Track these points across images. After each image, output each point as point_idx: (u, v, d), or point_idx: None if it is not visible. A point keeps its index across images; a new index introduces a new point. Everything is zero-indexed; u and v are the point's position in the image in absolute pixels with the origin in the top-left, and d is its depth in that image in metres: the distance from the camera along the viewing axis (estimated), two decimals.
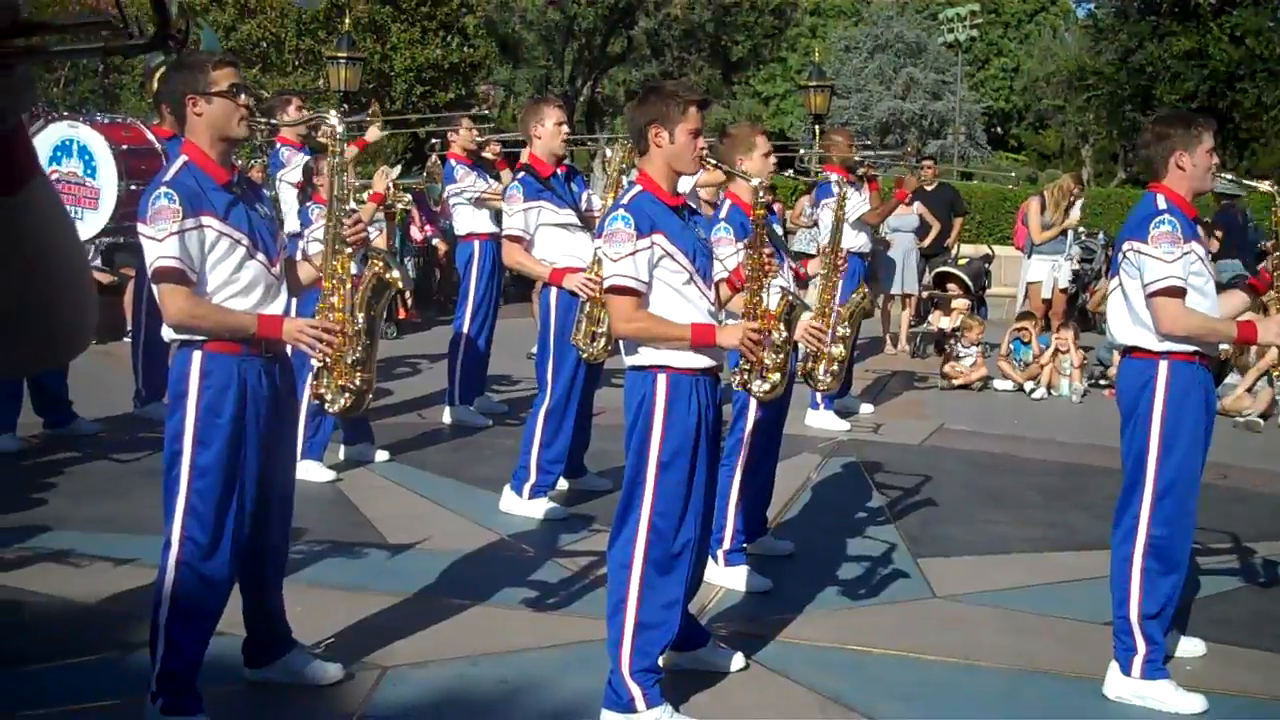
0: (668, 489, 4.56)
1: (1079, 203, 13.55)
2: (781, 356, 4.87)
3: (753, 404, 6.19)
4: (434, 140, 10.29)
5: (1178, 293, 4.86)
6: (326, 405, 4.67)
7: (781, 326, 4.81)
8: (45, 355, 1.53)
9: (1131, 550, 5.03)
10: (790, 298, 4.90)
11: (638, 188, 4.69)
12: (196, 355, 4.35)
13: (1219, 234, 13.19)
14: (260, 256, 4.44)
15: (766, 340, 4.76)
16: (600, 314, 7.00)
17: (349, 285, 4.58)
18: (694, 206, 5.15)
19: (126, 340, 11.55)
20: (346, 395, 4.61)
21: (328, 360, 4.54)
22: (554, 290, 7.31)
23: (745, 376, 4.88)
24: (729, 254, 5.75)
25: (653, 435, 4.56)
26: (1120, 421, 5.14)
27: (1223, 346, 5.35)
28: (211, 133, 4.41)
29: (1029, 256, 13.59)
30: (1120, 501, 5.13)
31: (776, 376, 4.88)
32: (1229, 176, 5.59)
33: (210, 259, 4.33)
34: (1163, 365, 4.96)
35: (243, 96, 4.44)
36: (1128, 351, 5.13)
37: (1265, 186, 5.59)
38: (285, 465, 4.75)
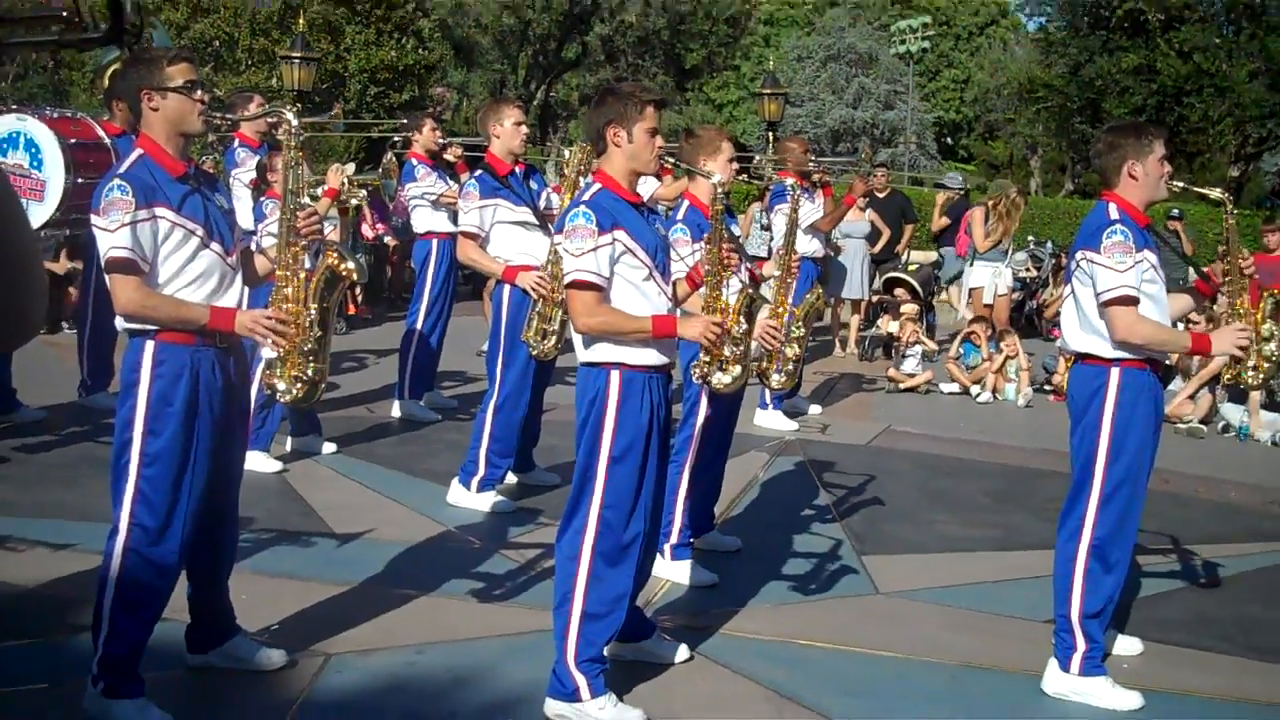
0: (618, 483, 4.58)
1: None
2: (741, 349, 4.90)
3: (704, 402, 6.23)
4: (395, 139, 10.26)
5: (1130, 301, 4.92)
6: (280, 395, 4.66)
7: (742, 320, 4.84)
8: None
9: (1076, 550, 5.09)
10: (750, 291, 4.93)
11: (598, 185, 4.71)
12: (149, 345, 4.34)
13: (947, 220, 15.26)
14: (215, 246, 4.44)
15: (726, 333, 4.79)
16: (551, 312, 7.01)
17: (303, 277, 4.57)
18: (652, 207, 5.17)
19: (69, 330, 11.47)
20: (299, 385, 4.60)
21: (281, 351, 4.53)
22: (507, 287, 7.31)
23: (705, 369, 4.91)
24: (686, 254, 5.79)
25: (605, 431, 4.58)
26: (1070, 425, 5.19)
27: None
28: (167, 127, 4.41)
29: (971, 264, 13.74)
30: (1067, 503, 5.18)
31: (737, 369, 4.92)
32: (1180, 184, 5.66)
33: (164, 250, 4.32)
34: (1114, 372, 5.02)
35: (199, 92, 4.43)
36: (1080, 358, 5.18)
37: (1215, 194, 5.68)
38: (236, 456, 4.74)
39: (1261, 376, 5.44)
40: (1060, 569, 5.16)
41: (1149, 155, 5.11)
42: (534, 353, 7.10)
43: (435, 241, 9.57)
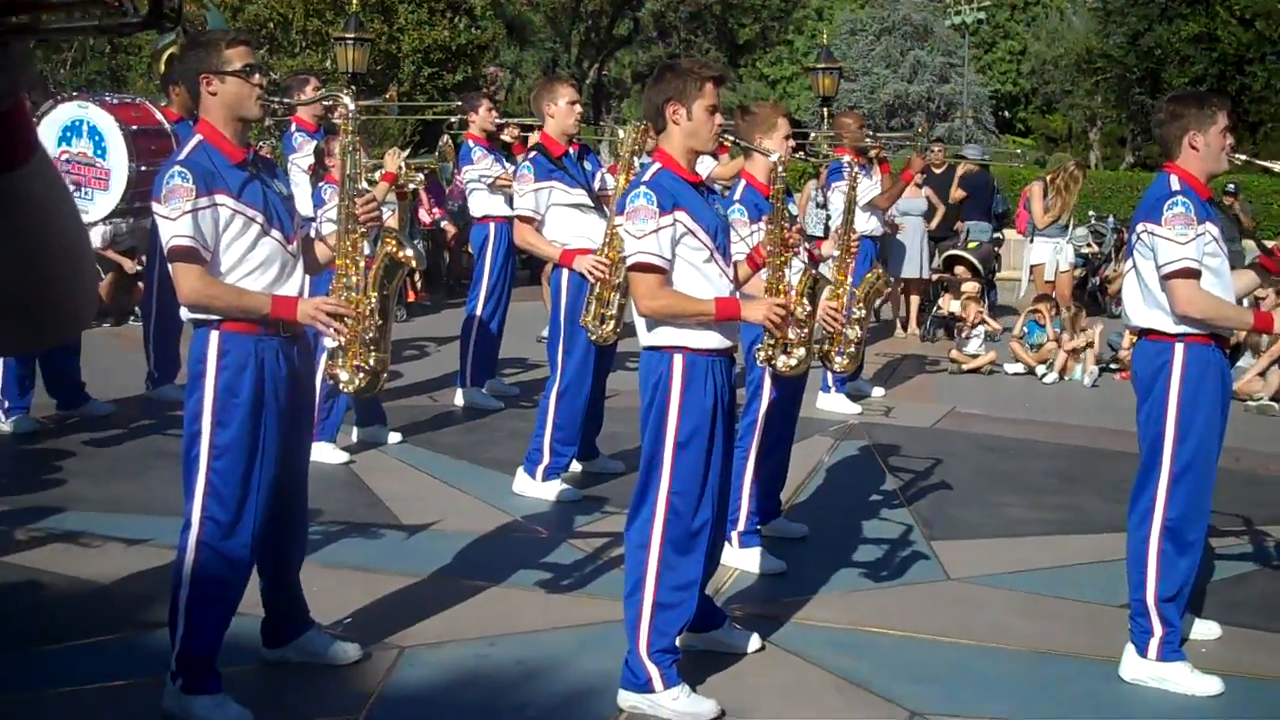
0: (685, 469, 4.56)
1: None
2: (805, 331, 4.86)
3: (768, 386, 6.19)
4: (451, 120, 10.24)
5: (1192, 274, 4.85)
6: (342, 385, 4.68)
7: (805, 301, 4.79)
8: (44, 333, 1.54)
9: (1148, 532, 5.02)
10: (813, 272, 4.88)
11: (657, 165, 4.68)
12: (214, 335, 4.36)
13: (963, 193, 14.94)
14: (276, 234, 4.44)
15: (790, 315, 4.75)
16: (609, 296, 6.98)
17: (362, 264, 4.58)
18: (712, 186, 5.12)
19: (135, 322, 11.57)
20: (361, 375, 4.62)
21: (343, 340, 4.55)
22: (565, 271, 7.29)
23: (770, 352, 4.87)
24: (745, 235, 5.76)
25: (669, 415, 4.56)
26: (1135, 403, 5.12)
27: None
28: (226, 111, 4.41)
29: (1031, 240, 13.60)
30: (1137, 484, 5.11)
31: (801, 352, 4.88)
32: (1243, 157, 5.55)
33: (225, 237, 4.33)
34: (1178, 348, 4.95)
35: (257, 76, 4.44)
36: (1143, 334, 5.11)
37: (1278, 167, 5.57)
38: (304, 446, 4.76)
39: None
40: (1133, 552, 5.09)
41: (1211, 126, 5.02)
42: (592, 338, 7.08)
43: (492, 225, 9.55)
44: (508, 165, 9.69)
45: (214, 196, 4.28)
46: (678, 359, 4.58)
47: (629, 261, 4.60)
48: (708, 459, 4.60)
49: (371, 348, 4.59)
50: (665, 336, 4.60)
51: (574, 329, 7.25)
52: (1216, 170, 5.13)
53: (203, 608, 4.35)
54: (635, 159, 7.11)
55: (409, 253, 4.69)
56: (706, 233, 4.60)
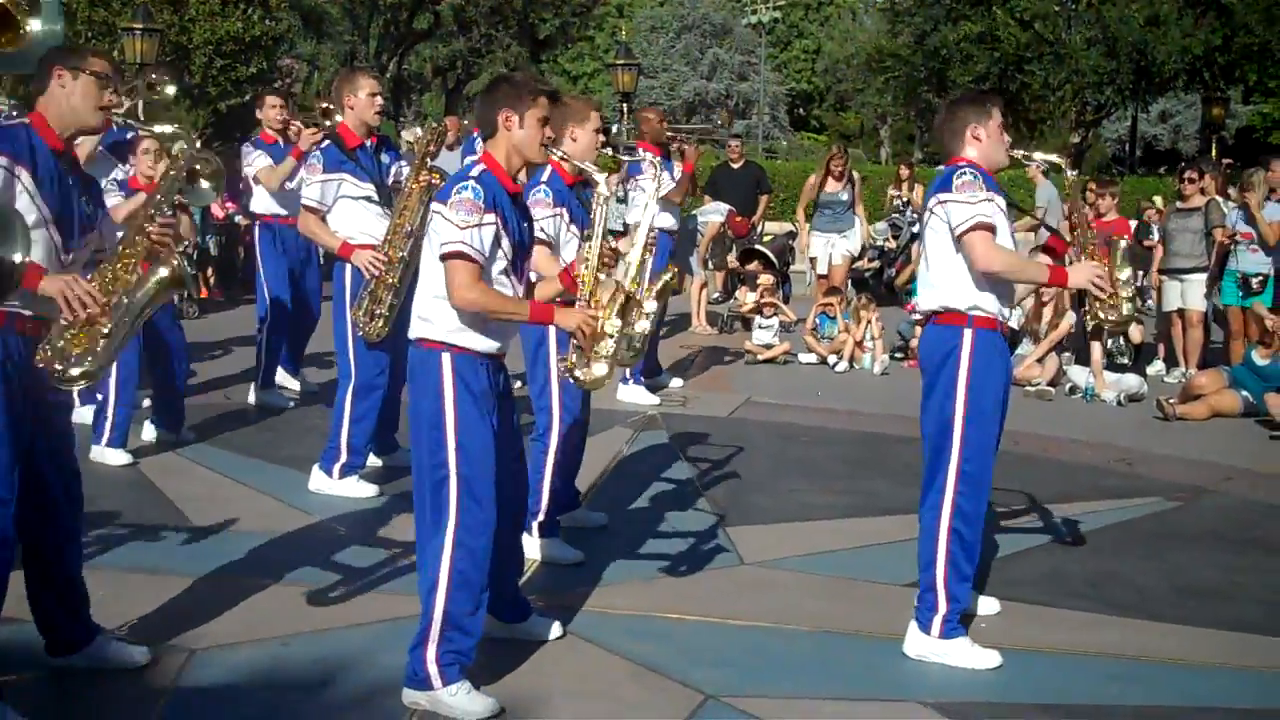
0: (468, 468, 4.55)
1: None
2: (612, 344, 4.74)
3: (556, 386, 6.20)
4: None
5: (987, 228, 5.02)
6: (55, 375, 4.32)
7: (615, 318, 4.71)
8: None
9: (939, 512, 5.17)
10: (625, 290, 4.79)
11: (483, 166, 4.66)
12: None
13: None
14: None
15: (600, 329, 4.69)
16: (383, 294, 6.93)
17: (132, 274, 4.43)
18: (525, 204, 5.07)
19: None
20: (78, 369, 4.30)
21: (74, 320, 4.23)
22: (348, 266, 7.18)
23: (574, 361, 4.77)
24: (545, 215, 5.90)
25: (445, 417, 4.55)
26: (922, 388, 5.27)
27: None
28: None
29: (809, 234, 14.02)
30: (928, 470, 5.24)
31: (603, 366, 4.75)
32: (1020, 152, 5.78)
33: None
34: (967, 333, 5.10)
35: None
36: (932, 318, 5.26)
37: (1054, 157, 5.85)
38: (57, 447, 4.55)
39: (1116, 315, 5.35)
40: (925, 531, 5.23)
41: (989, 120, 5.27)
42: (360, 333, 7.02)
43: (259, 225, 9.49)
44: None
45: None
46: (446, 357, 4.56)
47: (447, 248, 4.51)
48: (488, 457, 4.57)
49: (96, 345, 4.29)
50: (436, 332, 4.57)
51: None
52: (998, 162, 5.32)
53: None
54: (428, 159, 7.09)
55: (186, 280, 4.60)
56: (511, 243, 4.61)
